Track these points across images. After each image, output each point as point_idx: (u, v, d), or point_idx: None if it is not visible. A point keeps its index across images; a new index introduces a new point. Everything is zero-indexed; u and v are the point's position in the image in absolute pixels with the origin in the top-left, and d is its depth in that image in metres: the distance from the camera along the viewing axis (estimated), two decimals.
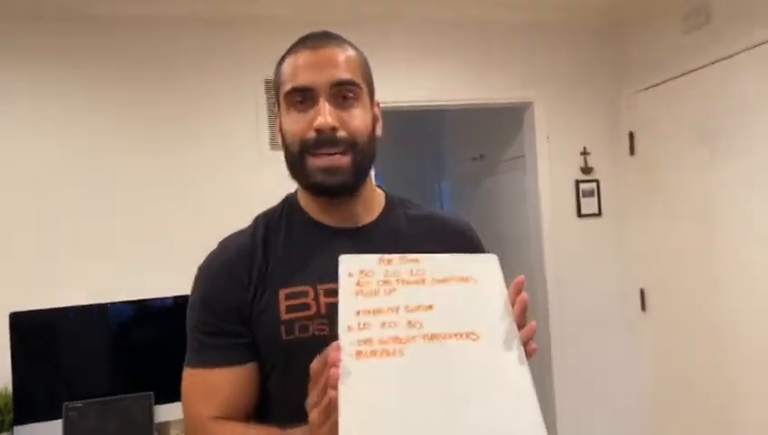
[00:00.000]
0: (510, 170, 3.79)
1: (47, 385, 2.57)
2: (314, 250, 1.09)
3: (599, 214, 3.50)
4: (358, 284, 0.91)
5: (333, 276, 0.92)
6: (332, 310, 0.96)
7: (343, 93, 1.07)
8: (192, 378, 1.09)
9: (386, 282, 0.92)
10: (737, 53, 2.78)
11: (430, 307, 0.90)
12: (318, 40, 1.10)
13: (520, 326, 0.91)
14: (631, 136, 3.47)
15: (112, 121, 2.87)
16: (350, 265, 0.93)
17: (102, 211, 2.84)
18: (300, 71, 1.07)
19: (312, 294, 1.06)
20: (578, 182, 3.48)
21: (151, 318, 2.77)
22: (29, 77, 2.79)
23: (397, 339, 0.86)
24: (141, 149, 2.90)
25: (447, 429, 0.82)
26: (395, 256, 0.95)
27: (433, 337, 0.87)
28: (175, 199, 2.93)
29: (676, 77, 3.13)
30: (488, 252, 1.23)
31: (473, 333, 0.89)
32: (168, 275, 2.84)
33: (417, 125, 4.97)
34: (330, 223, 1.14)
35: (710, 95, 2.94)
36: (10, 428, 2.48)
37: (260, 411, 1.09)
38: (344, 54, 1.09)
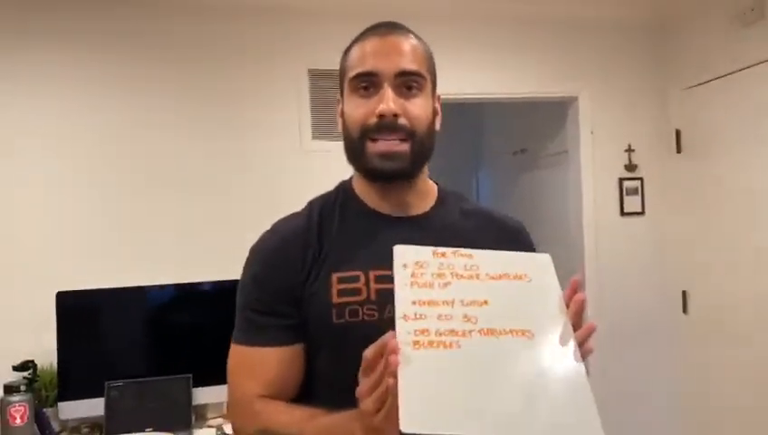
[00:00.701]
0: (552, 166, 3.74)
1: (90, 364, 2.63)
2: (367, 236, 1.09)
3: (642, 213, 3.44)
4: (413, 275, 0.91)
5: (385, 263, 0.92)
6: (383, 296, 0.97)
7: (407, 83, 1.08)
8: (240, 355, 1.11)
9: (440, 275, 0.92)
10: None
11: (485, 302, 0.90)
12: (387, 28, 1.12)
13: (576, 326, 0.90)
14: (678, 133, 3.40)
15: (157, 109, 2.91)
16: (405, 255, 0.93)
17: (145, 196, 2.89)
18: (367, 57, 1.08)
19: (363, 279, 1.07)
20: (621, 180, 3.42)
21: (192, 302, 2.81)
22: (74, 62, 2.85)
23: (453, 332, 0.86)
24: (185, 136, 2.94)
25: (504, 421, 0.81)
26: (449, 250, 0.95)
27: (489, 332, 0.87)
28: (217, 187, 2.96)
29: (725, 75, 3.04)
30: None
31: (528, 331, 0.89)
32: (209, 260, 2.90)
33: (455, 117, 4.94)
34: (383, 211, 1.15)
35: (760, 94, 2.85)
36: (54, 403, 2.56)
37: (305, 393, 1.10)
38: (411, 45, 1.11)
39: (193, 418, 2.62)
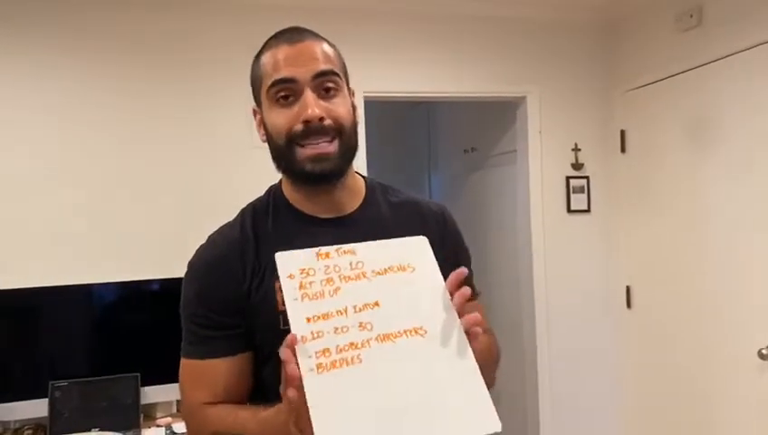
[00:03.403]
0: (501, 164, 3.80)
1: (33, 364, 2.58)
2: (302, 241, 1.06)
3: (588, 210, 3.53)
4: (301, 286, 0.91)
5: None
6: None
7: (325, 85, 1.10)
8: (189, 368, 1.14)
9: (328, 281, 0.93)
10: (729, 55, 2.80)
11: (377, 304, 0.92)
12: (294, 34, 1.13)
13: (461, 314, 0.93)
14: (622, 134, 3.49)
15: (101, 106, 2.85)
16: (288, 264, 0.93)
17: (90, 193, 2.83)
18: (281, 64, 1.09)
19: None
20: (568, 178, 3.50)
21: (139, 300, 2.77)
22: (25, 58, 2.78)
23: (353, 344, 0.88)
24: (131, 133, 2.89)
25: (417, 425, 0.85)
26: (331, 249, 0.96)
27: (385, 338, 0.89)
28: (164, 183, 2.92)
29: (668, 77, 3.15)
30: (462, 233, 1.31)
31: (420, 328, 0.91)
32: (156, 258, 2.86)
33: (408, 116, 4.97)
34: (315, 213, 1.17)
35: (701, 96, 2.96)
36: None
37: (255, 399, 1.12)
38: (321, 47, 1.12)
39: (141, 417, 2.59)
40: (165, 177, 2.93)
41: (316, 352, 0.86)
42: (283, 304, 1.01)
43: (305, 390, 0.82)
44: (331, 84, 1.10)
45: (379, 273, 0.95)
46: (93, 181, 2.84)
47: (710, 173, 2.93)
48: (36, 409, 2.52)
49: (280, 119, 1.10)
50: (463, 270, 0.95)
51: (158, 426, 2.58)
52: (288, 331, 1.01)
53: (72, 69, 2.83)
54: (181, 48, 2.96)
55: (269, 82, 1.10)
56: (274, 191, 1.22)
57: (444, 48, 3.32)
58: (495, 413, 0.86)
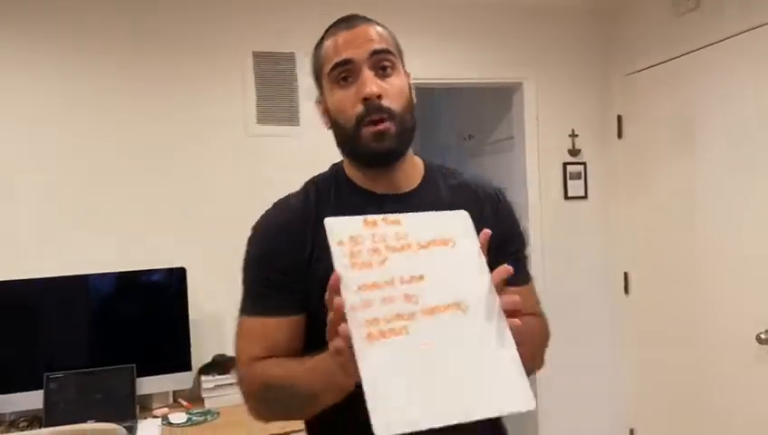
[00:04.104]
0: (498, 151, 3.78)
1: (29, 356, 2.56)
2: (359, 212, 1.10)
3: (585, 197, 3.52)
4: (351, 254, 0.95)
5: None
6: None
7: (381, 63, 1.15)
8: (245, 325, 1.19)
9: (375, 250, 0.96)
10: (727, 38, 2.78)
11: (421, 277, 0.96)
12: (350, 21, 1.19)
13: (499, 292, 0.96)
14: (619, 119, 3.48)
15: (97, 95, 2.82)
16: (338, 230, 0.96)
17: (85, 182, 2.81)
18: (340, 48, 1.15)
19: None
20: (565, 165, 3.48)
21: (135, 291, 2.76)
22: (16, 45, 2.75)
23: (399, 316, 0.92)
24: (126, 122, 2.86)
25: (452, 401, 0.89)
26: (378, 217, 0.99)
27: (428, 311, 0.94)
28: (160, 173, 2.90)
29: (665, 61, 3.13)
30: (519, 215, 1.36)
31: (462, 303, 0.95)
32: (152, 248, 2.84)
33: None
34: (376, 190, 1.22)
35: (699, 80, 2.94)
36: None
37: None
38: (376, 30, 1.19)
39: (137, 408, 2.58)
40: (161, 166, 2.90)
41: (366, 321, 0.90)
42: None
43: (357, 357, 0.87)
44: (387, 63, 1.16)
45: (422, 246, 0.99)
46: (88, 171, 2.81)
47: (706, 158, 2.91)
48: (32, 401, 2.51)
49: (342, 102, 1.15)
50: (506, 268, 0.97)
51: (155, 417, 2.57)
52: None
53: (68, 57, 2.79)
54: (178, 36, 2.93)
55: (329, 66, 1.16)
56: (338, 168, 1.28)
57: (440, 34, 3.29)
58: (530, 392, 0.91)
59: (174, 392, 2.76)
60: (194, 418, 2.53)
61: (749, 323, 2.68)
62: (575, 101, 3.51)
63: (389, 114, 1.14)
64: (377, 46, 1.15)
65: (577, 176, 3.50)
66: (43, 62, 2.77)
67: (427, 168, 1.29)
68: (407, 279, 0.95)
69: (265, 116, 3.02)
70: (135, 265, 2.77)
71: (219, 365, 2.75)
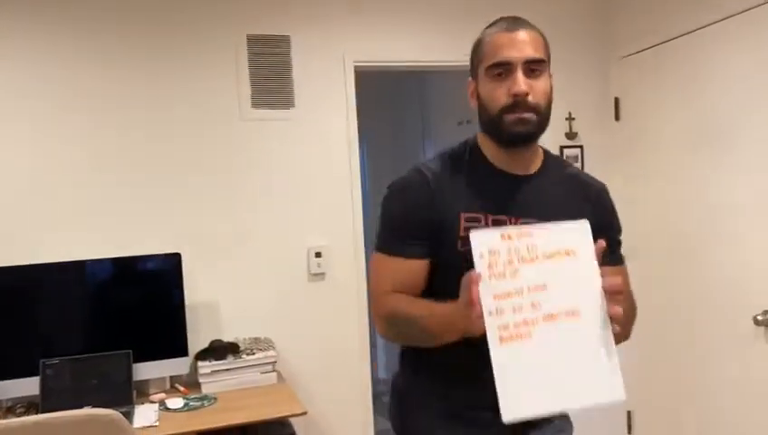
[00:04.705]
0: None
1: (25, 342, 2.55)
2: (488, 188, 1.43)
3: None
4: (489, 266, 1.17)
5: (500, 210, 1.39)
6: None
7: (533, 67, 1.37)
8: (382, 260, 1.45)
9: (509, 262, 1.18)
10: (724, 19, 2.75)
11: (544, 286, 1.18)
12: (513, 23, 1.41)
13: (607, 292, 1.21)
14: (617, 102, 3.46)
15: (91, 79, 2.79)
16: (480, 243, 1.18)
17: (79, 168, 2.78)
18: (500, 49, 1.38)
19: (483, 220, 1.39)
20: (562, 148, 3.47)
21: (130, 277, 2.75)
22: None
23: (525, 322, 1.16)
24: (120, 106, 2.83)
25: (564, 392, 1.17)
26: (513, 232, 1.20)
27: (549, 317, 1.18)
28: (156, 158, 2.87)
29: (662, 42, 3.10)
30: (617, 210, 1.59)
31: (576, 311, 1.19)
32: (149, 234, 2.83)
33: (403, 87, 4.92)
34: (504, 168, 1.45)
35: (696, 61, 2.92)
36: None
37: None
38: (532, 36, 1.41)
39: (134, 394, 2.57)
40: (156, 152, 2.87)
41: (499, 326, 1.14)
42: (464, 231, 1.35)
43: (491, 355, 1.13)
44: (537, 68, 1.38)
45: (548, 256, 1.20)
46: (83, 156, 2.78)
47: (705, 139, 2.90)
48: (28, 387, 2.51)
49: (494, 91, 1.38)
50: (602, 243, 1.22)
51: (152, 402, 2.57)
52: (463, 251, 1.29)
53: (60, 43, 2.76)
54: (170, 20, 2.89)
55: (489, 63, 1.39)
56: (471, 145, 1.51)
57: (436, 16, 3.26)
58: (622, 386, 1.20)
59: (171, 378, 2.76)
60: (191, 403, 2.52)
61: (746, 304, 2.68)
62: (572, 84, 3.48)
63: (534, 107, 1.36)
64: (532, 55, 1.37)
65: (574, 159, 3.48)
66: (34, 48, 2.73)
67: (546, 154, 1.53)
68: (533, 288, 1.18)
69: (260, 100, 2.99)
70: (130, 250, 2.76)
71: (216, 351, 2.74)
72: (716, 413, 2.90)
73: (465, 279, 1.17)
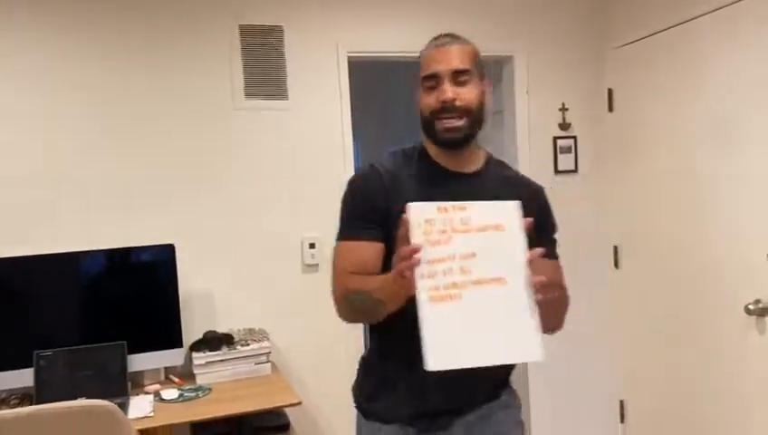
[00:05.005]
0: (488, 125, 3.75)
1: (19, 334, 2.55)
2: (432, 183, 1.60)
3: (575, 171, 3.51)
4: (425, 233, 1.26)
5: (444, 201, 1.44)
6: None
7: (459, 79, 1.54)
8: (342, 246, 1.61)
9: (443, 231, 1.27)
10: (716, 9, 2.76)
11: (474, 255, 1.28)
12: (443, 39, 1.60)
13: (532, 268, 1.31)
14: (610, 93, 3.46)
15: (82, 68, 2.78)
16: (418, 214, 1.27)
17: (73, 159, 2.77)
18: (430, 63, 1.57)
19: None
20: (555, 138, 3.47)
21: (124, 268, 2.74)
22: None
23: (455, 285, 1.26)
24: (112, 97, 2.82)
25: (488, 349, 1.27)
26: (449, 205, 1.30)
27: (478, 282, 1.27)
28: (148, 148, 2.87)
29: (656, 33, 3.10)
30: (553, 210, 1.74)
31: (503, 278, 1.29)
32: (142, 225, 2.82)
33: (393, 77, 4.90)
34: (446, 166, 1.62)
35: (690, 52, 2.93)
36: None
37: None
38: (459, 50, 1.57)
39: (129, 385, 2.57)
40: (149, 142, 2.87)
41: (430, 288, 1.24)
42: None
43: (419, 314, 1.23)
44: (464, 77, 1.54)
45: (480, 229, 1.30)
46: (76, 148, 2.77)
47: (698, 131, 2.91)
48: (22, 378, 2.51)
49: (426, 99, 1.57)
50: (539, 250, 1.33)
51: (147, 393, 2.57)
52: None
53: (52, 32, 2.74)
54: (163, 9, 2.87)
55: (422, 75, 1.57)
56: (419, 146, 1.67)
57: (428, 6, 3.25)
58: (541, 347, 1.29)
59: (165, 369, 2.76)
60: (186, 394, 2.53)
61: (738, 294, 2.70)
62: (566, 75, 3.49)
63: (462, 112, 1.53)
64: (457, 66, 1.54)
65: (567, 150, 3.49)
66: (27, 38, 2.72)
67: (488, 157, 1.69)
68: (464, 255, 1.27)
69: (253, 90, 2.98)
70: (125, 241, 2.75)
71: (210, 342, 2.75)
72: (709, 402, 2.92)
73: (398, 252, 1.29)
